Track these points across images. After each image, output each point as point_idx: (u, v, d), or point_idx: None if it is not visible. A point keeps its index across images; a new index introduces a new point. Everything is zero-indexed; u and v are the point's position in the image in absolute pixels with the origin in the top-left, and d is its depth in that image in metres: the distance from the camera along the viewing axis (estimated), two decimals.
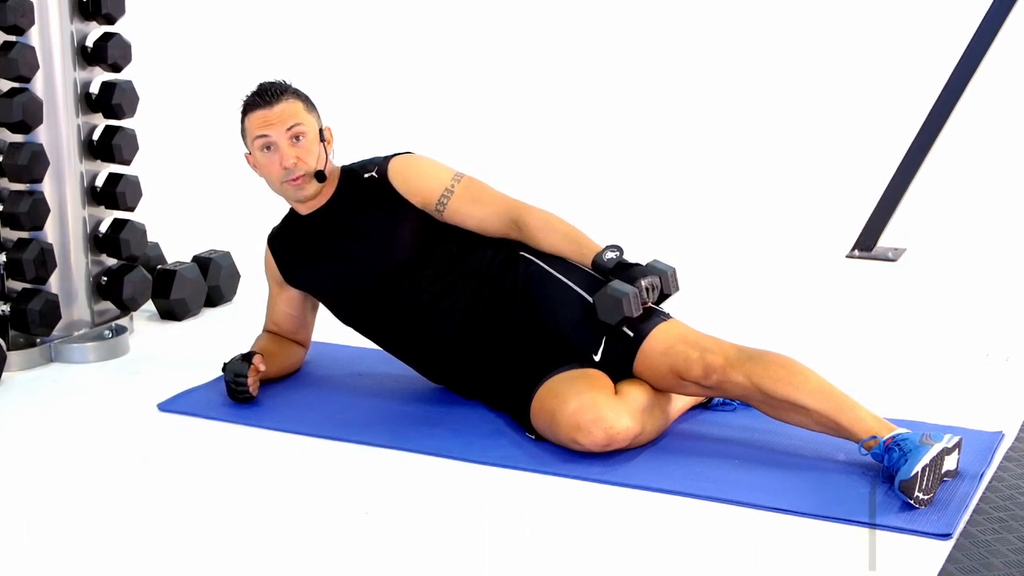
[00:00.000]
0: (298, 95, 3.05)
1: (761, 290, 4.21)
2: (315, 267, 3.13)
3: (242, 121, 3.06)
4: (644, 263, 2.88)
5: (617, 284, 2.78)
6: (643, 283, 2.79)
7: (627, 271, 2.84)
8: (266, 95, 3.01)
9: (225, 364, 3.12)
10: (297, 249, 3.16)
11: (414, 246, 3.02)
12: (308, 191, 3.04)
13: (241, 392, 3.07)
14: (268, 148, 3.00)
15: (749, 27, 6.69)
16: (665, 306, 2.92)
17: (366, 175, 3.08)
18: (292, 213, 3.18)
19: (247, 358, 3.10)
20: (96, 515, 2.55)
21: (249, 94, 3.05)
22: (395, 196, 3.04)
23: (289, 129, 2.99)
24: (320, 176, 3.03)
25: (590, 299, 2.84)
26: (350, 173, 3.11)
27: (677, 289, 2.89)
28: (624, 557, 2.33)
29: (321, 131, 3.06)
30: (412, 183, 3.04)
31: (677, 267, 2.89)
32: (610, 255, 2.87)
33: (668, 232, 4.85)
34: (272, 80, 3.06)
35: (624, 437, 2.70)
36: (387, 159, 3.09)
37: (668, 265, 2.89)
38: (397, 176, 3.05)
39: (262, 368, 3.10)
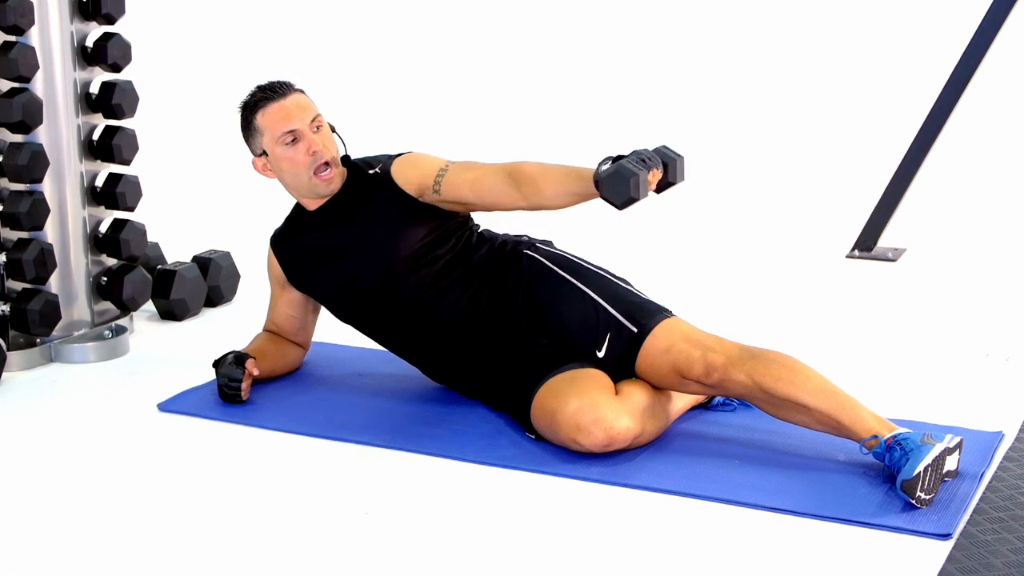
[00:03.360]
0: (303, 92, 3.07)
1: (761, 290, 4.21)
2: (319, 266, 3.12)
3: (251, 120, 3.04)
4: (652, 148, 2.72)
5: (627, 163, 2.61)
6: (649, 163, 2.63)
7: (635, 153, 2.66)
8: (277, 89, 3.02)
9: (217, 364, 3.13)
10: (301, 249, 3.15)
11: (418, 242, 3.01)
12: (337, 183, 3.05)
13: (233, 395, 3.09)
14: (294, 140, 3.00)
15: (749, 27, 6.69)
16: (667, 304, 2.91)
17: (371, 171, 3.08)
18: (295, 213, 3.18)
19: (240, 361, 3.10)
20: (96, 515, 2.55)
21: (255, 93, 3.05)
22: (398, 192, 3.03)
23: (312, 120, 3.01)
24: (345, 159, 3.05)
25: (594, 296, 2.83)
26: (355, 168, 3.11)
27: (683, 179, 2.75)
28: (624, 557, 2.33)
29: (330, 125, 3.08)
30: (409, 173, 3.03)
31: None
32: (607, 164, 2.68)
33: (669, 232, 4.85)
34: (273, 80, 3.06)
35: (624, 437, 2.70)
36: (391, 158, 3.09)
37: (678, 153, 2.74)
38: (400, 174, 3.05)
39: (255, 373, 3.10)
